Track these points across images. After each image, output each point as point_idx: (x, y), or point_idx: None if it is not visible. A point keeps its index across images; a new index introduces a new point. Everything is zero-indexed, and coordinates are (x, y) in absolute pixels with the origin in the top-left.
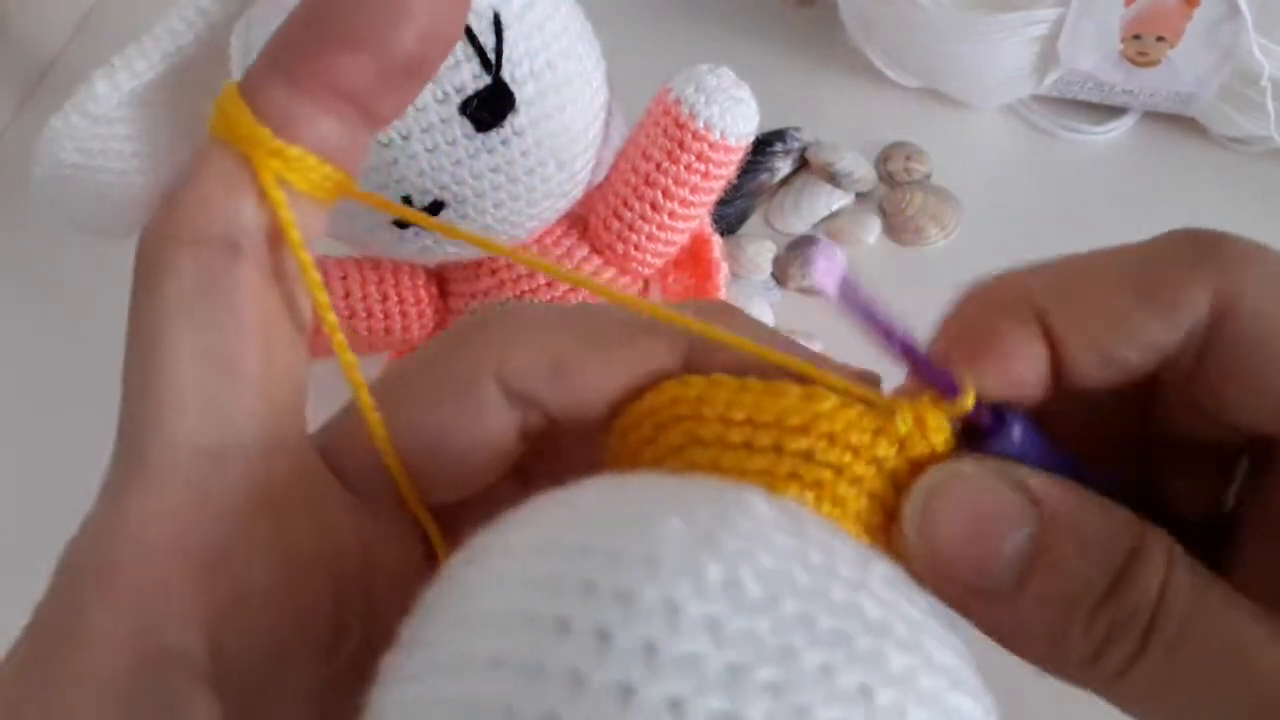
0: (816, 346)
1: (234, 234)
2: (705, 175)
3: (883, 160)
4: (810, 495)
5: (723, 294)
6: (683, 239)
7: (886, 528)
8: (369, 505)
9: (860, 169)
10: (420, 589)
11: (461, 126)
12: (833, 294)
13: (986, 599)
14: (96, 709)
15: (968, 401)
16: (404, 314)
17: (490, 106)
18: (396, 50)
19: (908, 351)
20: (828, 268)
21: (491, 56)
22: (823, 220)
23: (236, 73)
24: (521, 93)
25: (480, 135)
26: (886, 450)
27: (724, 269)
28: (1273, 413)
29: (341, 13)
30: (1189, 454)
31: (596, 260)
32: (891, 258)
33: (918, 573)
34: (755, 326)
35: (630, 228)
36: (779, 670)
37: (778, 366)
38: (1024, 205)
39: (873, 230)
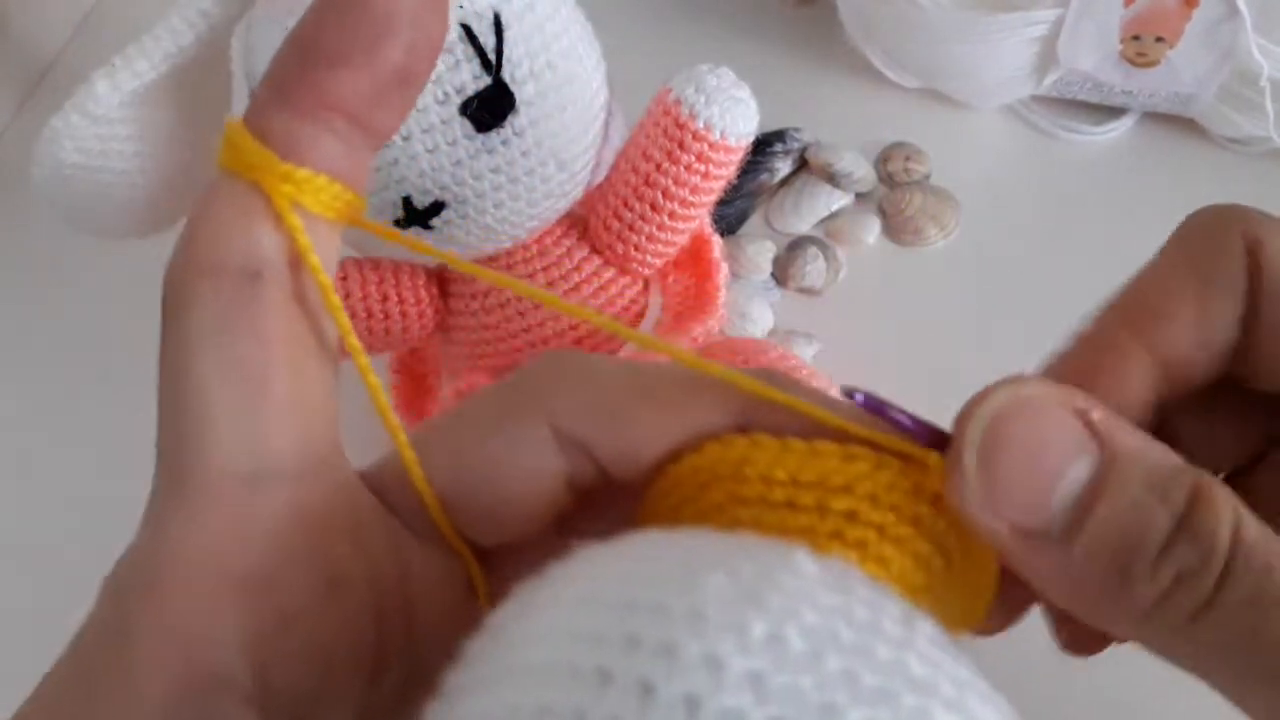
0: (816, 347)
1: (253, 261)
2: (705, 175)
3: (882, 160)
4: (854, 555)
5: (722, 294)
6: (683, 239)
7: (930, 588)
8: (417, 533)
9: (860, 169)
10: (463, 622)
11: (462, 127)
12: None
13: (1039, 543)
14: None
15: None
16: (404, 314)
17: (490, 107)
18: (385, 64)
19: (929, 433)
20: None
21: (492, 57)
22: (822, 220)
23: (237, 73)
24: (522, 93)
25: (480, 136)
26: (925, 508)
27: (724, 269)
28: None
29: (329, 34)
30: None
31: (597, 260)
32: (891, 258)
33: (969, 515)
34: (814, 393)
35: (630, 228)
36: None
37: (831, 429)
38: (1023, 205)
39: (872, 230)
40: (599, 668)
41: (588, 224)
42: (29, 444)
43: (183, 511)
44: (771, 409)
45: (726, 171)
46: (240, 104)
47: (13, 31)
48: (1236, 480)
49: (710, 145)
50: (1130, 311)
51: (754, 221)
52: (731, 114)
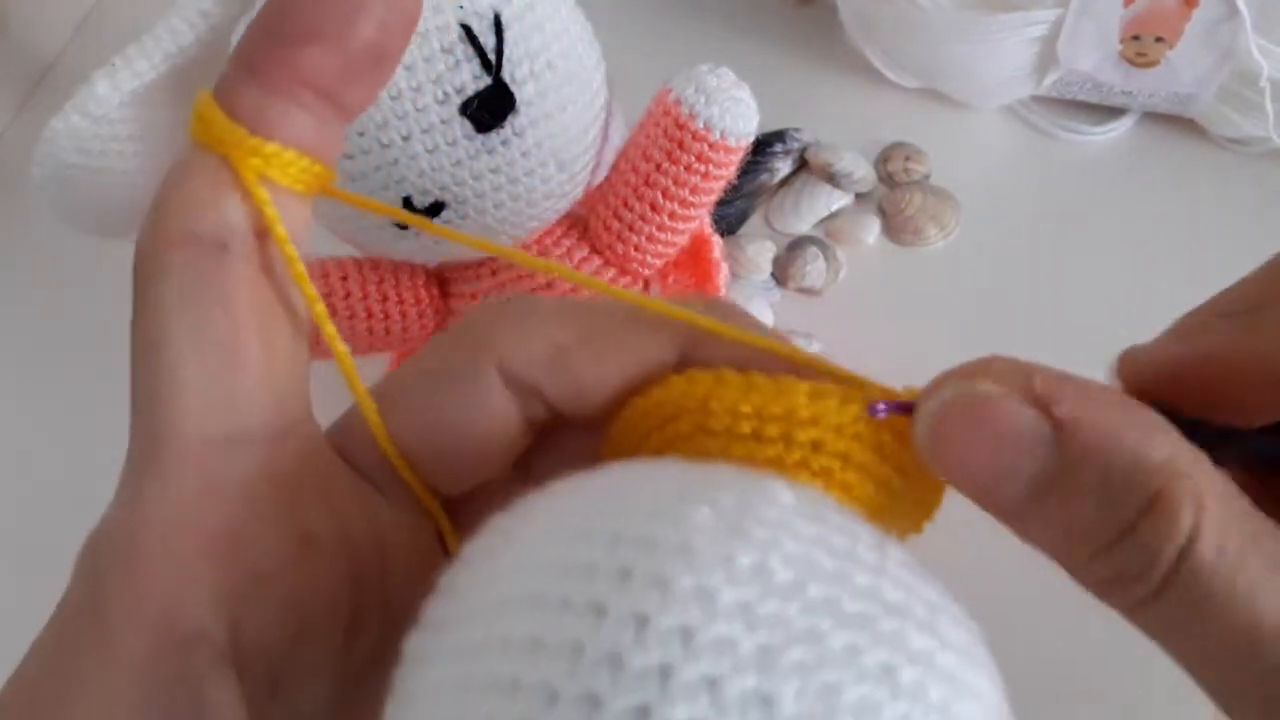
0: (816, 347)
1: (222, 232)
2: (705, 176)
3: (882, 160)
4: (820, 482)
5: (723, 294)
6: (683, 239)
7: (889, 507)
8: (384, 492)
9: (860, 169)
10: (434, 573)
11: (462, 127)
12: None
13: (997, 510)
14: (124, 689)
15: None
16: (404, 314)
17: (490, 107)
18: (357, 41)
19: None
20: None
21: (492, 57)
22: (822, 220)
23: None
24: (522, 93)
25: (480, 136)
26: (887, 436)
27: (724, 269)
28: None
29: (300, 10)
30: None
31: (597, 260)
32: (891, 258)
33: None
34: (753, 322)
35: (630, 228)
36: (808, 651)
37: (774, 360)
38: (1023, 206)
39: (872, 230)
40: (592, 600)
41: (588, 224)
42: (29, 444)
43: (157, 476)
44: (715, 341)
45: (726, 171)
46: None
47: (13, 31)
48: None
49: (710, 145)
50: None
51: (754, 221)
52: (731, 114)
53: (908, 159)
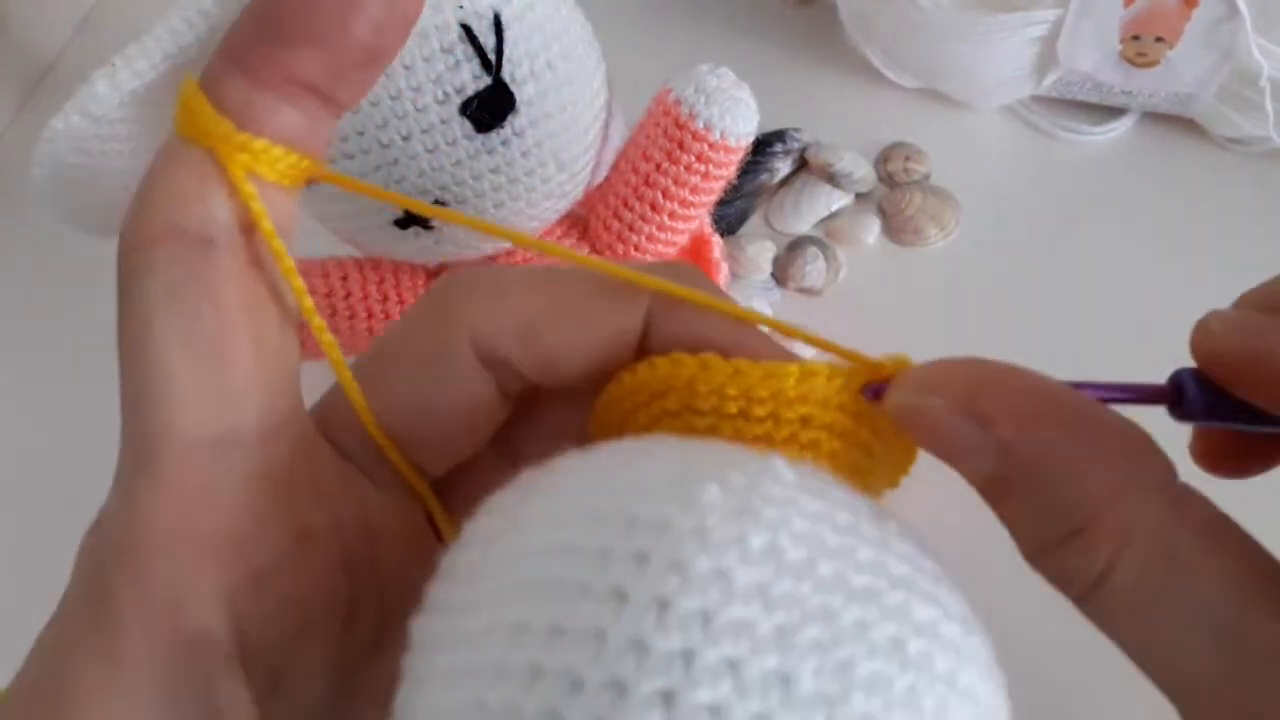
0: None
1: (208, 227)
2: (705, 176)
3: (882, 160)
4: (809, 454)
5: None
6: (683, 239)
7: (872, 469)
8: (370, 476)
9: (860, 169)
10: (425, 561)
11: (462, 127)
12: None
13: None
14: (134, 690)
15: None
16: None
17: (490, 107)
18: (351, 42)
19: None
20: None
21: (492, 57)
22: (822, 220)
23: None
24: (522, 93)
25: (480, 136)
26: (866, 405)
27: (724, 269)
28: None
29: (293, 8)
30: None
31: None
32: (891, 258)
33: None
34: (719, 291)
35: (630, 228)
36: (822, 629)
37: (738, 325)
38: (1023, 206)
39: (872, 231)
40: (613, 586)
41: (588, 224)
42: (29, 444)
43: (151, 479)
44: (683, 309)
45: (726, 171)
46: None
47: (13, 31)
48: None
49: (710, 145)
50: None
51: (754, 221)
52: (731, 114)
53: (908, 159)
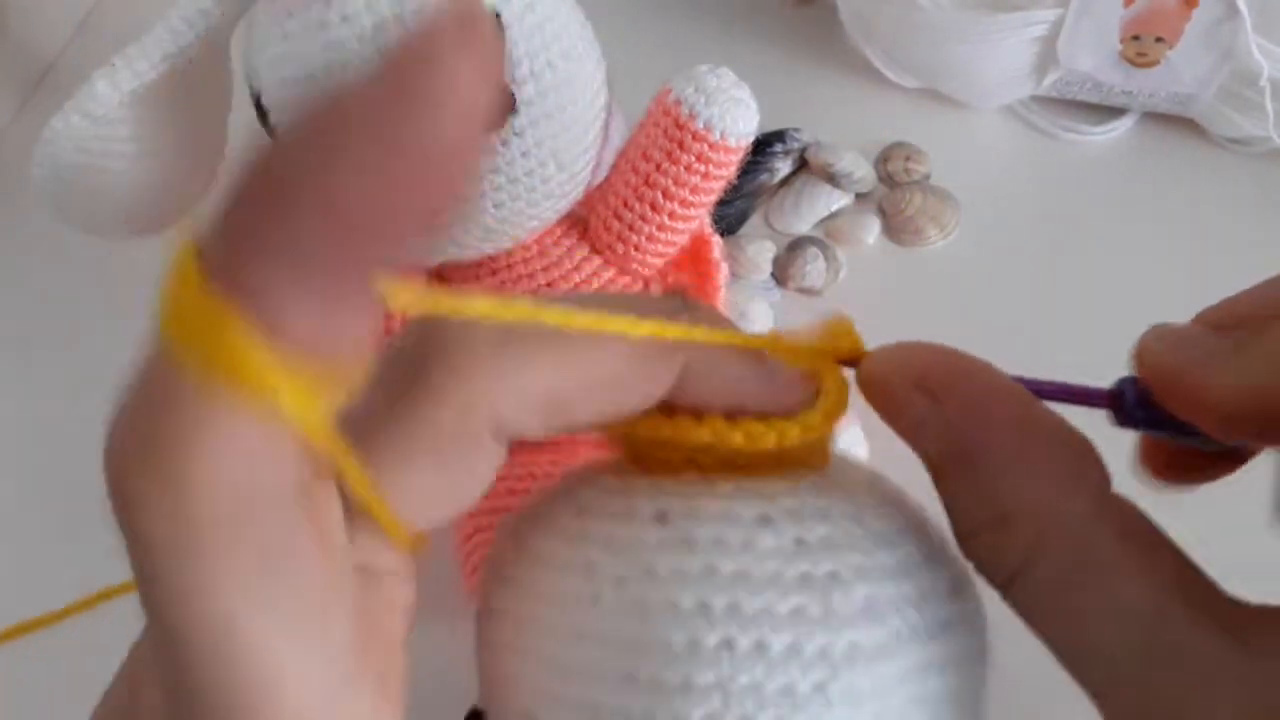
0: None
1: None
2: (705, 176)
3: (882, 161)
4: (801, 468)
5: (722, 294)
6: (683, 239)
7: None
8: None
9: (860, 169)
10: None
11: None
12: None
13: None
14: None
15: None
16: (404, 315)
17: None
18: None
19: None
20: None
21: None
22: (822, 220)
23: (237, 73)
24: (521, 93)
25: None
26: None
27: (724, 269)
28: None
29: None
30: None
31: (597, 260)
32: (891, 258)
33: None
34: (729, 324)
35: (630, 228)
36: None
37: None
38: (1023, 206)
39: (872, 231)
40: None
41: (588, 224)
42: (28, 444)
43: None
44: (706, 375)
45: (726, 172)
46: (240, 104)
47: (13, 31)
48: None
49: (710, 145)
50: None
51: (754, 221)
52: (731, 114)
53: (908, 159)
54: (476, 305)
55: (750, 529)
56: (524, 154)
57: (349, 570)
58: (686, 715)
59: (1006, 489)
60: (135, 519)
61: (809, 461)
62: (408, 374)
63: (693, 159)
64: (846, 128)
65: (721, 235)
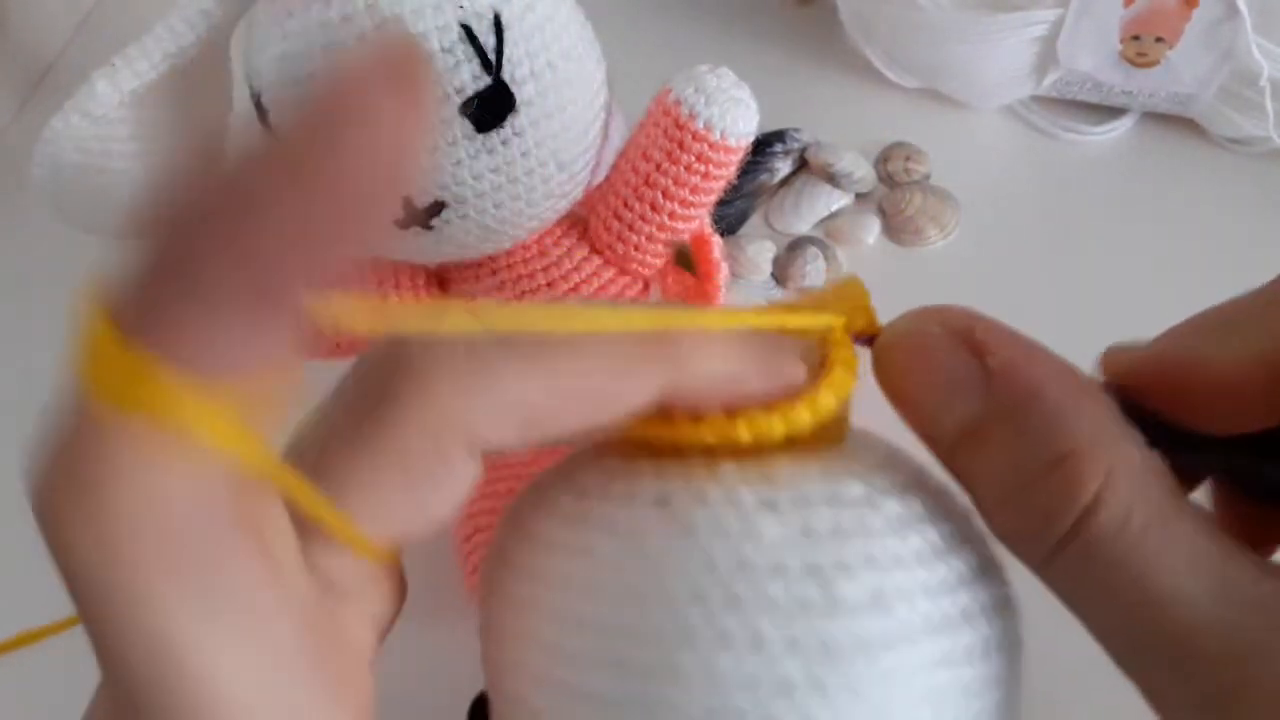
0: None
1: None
2: (705, 176)
3: (882, 161)
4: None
5: (722, 294)
6: (683, 240)
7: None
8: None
9: (860, 169)
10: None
11: (461, 127)
12: None
13: (931, 445)
14: None
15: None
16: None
17: (490, 107)
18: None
19: None
20: None
21: (492, 57)
22: (822, 221)
23: (237, 73)
24: (522, 93)
25: (480, 135)
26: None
27: (724, 269)
28: None
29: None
30: None
31: (597, 260)
32: (891, 258)
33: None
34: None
35: (630, 228)
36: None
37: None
38: (1023, 206)
39: (872, 231)
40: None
41: (588, 224)
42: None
43: None
44: (694, 384)
45: (726, 172)
46: (241, 104)
47: (13, 31)
48: None
49: (710, 145)
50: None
51: (754, 222)
52: (731, 114)
53: (908, 159)
54: (440, 318)
55: (753, 515)
56: (524, 154)
57: (299, 584)
58: (678, 704)
59: (1069, 428)
60: (65, 550)
61: (824, 437)
62: (375, 390)
63: (693, 159)
64: (846, 128)
65: (721, 235)
